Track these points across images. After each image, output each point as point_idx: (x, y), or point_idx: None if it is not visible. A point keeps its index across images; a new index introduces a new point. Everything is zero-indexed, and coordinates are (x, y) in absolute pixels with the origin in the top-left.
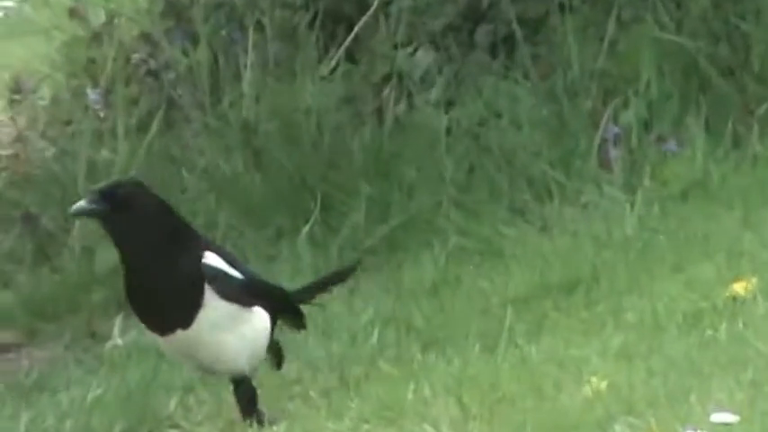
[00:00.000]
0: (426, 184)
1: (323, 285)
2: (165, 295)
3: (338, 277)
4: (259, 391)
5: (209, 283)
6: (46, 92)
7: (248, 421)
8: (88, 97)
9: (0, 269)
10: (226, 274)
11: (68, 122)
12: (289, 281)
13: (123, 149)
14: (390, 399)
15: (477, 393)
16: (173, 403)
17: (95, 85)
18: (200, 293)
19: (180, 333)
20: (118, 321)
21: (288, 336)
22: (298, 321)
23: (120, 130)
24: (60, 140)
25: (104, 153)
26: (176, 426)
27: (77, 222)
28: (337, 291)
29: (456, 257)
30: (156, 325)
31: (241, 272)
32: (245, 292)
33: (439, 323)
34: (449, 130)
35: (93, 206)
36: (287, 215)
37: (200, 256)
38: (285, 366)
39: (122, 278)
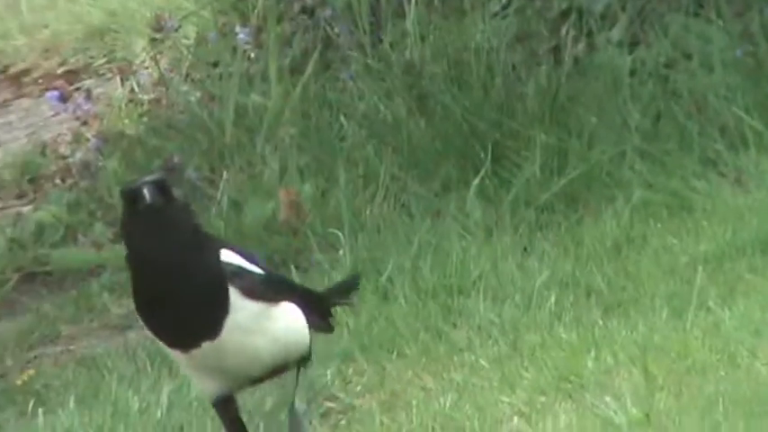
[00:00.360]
0: (608, 131)
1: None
2: (187, 304)
3: (340, 293)
4: (423, 360)
5: (232, 283)
6: (190, 31)
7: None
8: (237, 36)
9: None
10: (246, 270)
11: (215, 64)
12: (457, 241)
13: (275, 93)
14: (568, 368)
15: (665, 362)
16: (330, 373)
17: (245, 23)
18: (225, 295)
19: (206, 345)
20: None
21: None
22: (324, 322)
23: (272, 73)
24: (206, 84)
25: (254, 97)
26: (333, 398)
27: (225, 173)
28: (510, 250)
29: (641, 213)
30: (180, 340)
31: (260, 268)
32: (271, 288)
33: (622, 285)
34: (633, 73)
35: (160, 199)
36: (454, 166)
37: (218, 255)
38: (453, 332)
39: (134, 292)
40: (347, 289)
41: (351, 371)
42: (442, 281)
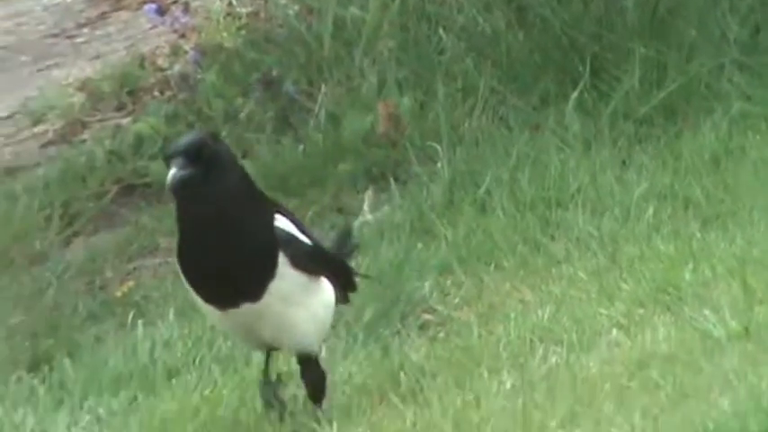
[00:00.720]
0: (707, 44)
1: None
2: (235, 264)
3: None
4: (521, 272)
5: (283, 250)
6: None
7: (317, 407)
8: None
9: (238, 136)
10: (298, 239)
11: None
12: (556, 154)
13: (374, 6)
14: (666, 280)
15: (763, 275)
16: (427, 285)
17: None
18: (274, 262)
19: (245, 307)
20: (368, 195)
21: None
22: (344, 294)
23: None
24: None
25: (353, 10)
26: (431, 310)
27: (324, 87)
28: (609, 163)
29: (739, 125)
30: (220, 297)
31: (308, 237)
32: (314, 261)
33: (720, 198)
34: None
35: (193, 171)
36: (553, 80)
37: (273, 220)
38: (551, 245)
39: (179, 243)
40: (347, 243)
41: (449, 283)
42: (540, 193)
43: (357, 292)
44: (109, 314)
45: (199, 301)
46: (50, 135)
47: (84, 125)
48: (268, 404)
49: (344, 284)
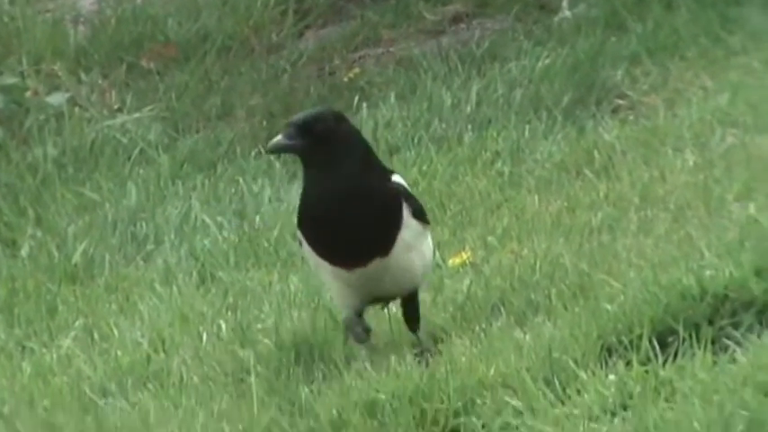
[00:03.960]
0: None
1: None
2: (366, 218)
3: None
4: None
5: (405, 202)
6: None
7: (416, 335)
8: None
9: None
10: (412, 194)
11: None
12: None
13: None
14: None
15: None
16: (619, 74)
17: None
18: (401, 215)
19: (375, 263)
20: None
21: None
22: None
23: None
24: None
25: None
26: (623, 96)
27: None
28: None
29: None
30: (351, 258)
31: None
32: (424, 211)
33: None
34: None
35: (292, 142)
36: None
37: (391, 179)
38: (729, 38)
39: (302, 214)
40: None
41: (638, 72)
42: None
43: (556, 78)
44: (337, 97)
45: (321, 264)
46: None
47: None
48: (356, 334)
49: None
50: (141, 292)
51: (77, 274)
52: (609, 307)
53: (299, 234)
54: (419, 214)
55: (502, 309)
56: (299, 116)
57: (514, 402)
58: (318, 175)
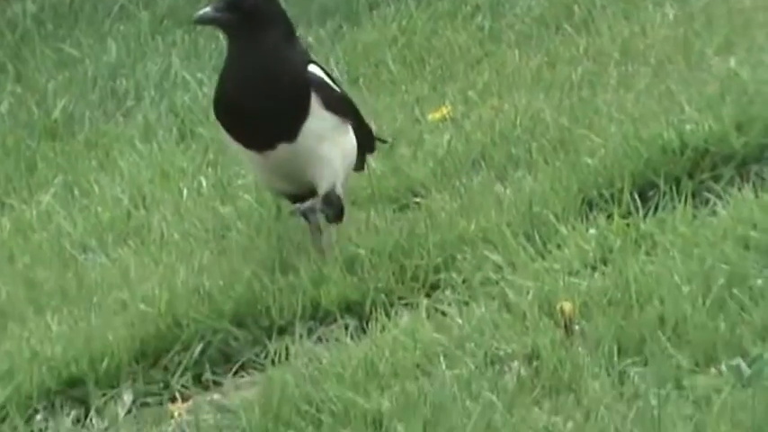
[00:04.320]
0: None
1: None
2: (272, 105)
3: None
4: None
5: (315, 92)
6: None
7: (328, 229)
8: None
9: None
10: (329, 84)
11: None
12: None
13: None
14: None
15: None
16: None
17: None
18: (307, 102)
19: (282, 147)
20: None
21: None
22: (360, 160)
23: None
24: None
25: None
26: None
27: None
28: None
29: None
30: (258, 140)
31: (338, 87)
32: (342, 105)
33: None
34: None
35: (219, 15)
36: None
37: (306, 67)
38: None
39: (217, 94)
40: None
41: None
42: None
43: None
44: None
45: (239, 148)
46: None
47: None
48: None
49: (364, 143)
50: (121, 149)
51: (57, 131)
52: (590, 161)
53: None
54: (334, 107)
55: (482, 163)
56: None
57: (495, 257)
58: (237, 55)
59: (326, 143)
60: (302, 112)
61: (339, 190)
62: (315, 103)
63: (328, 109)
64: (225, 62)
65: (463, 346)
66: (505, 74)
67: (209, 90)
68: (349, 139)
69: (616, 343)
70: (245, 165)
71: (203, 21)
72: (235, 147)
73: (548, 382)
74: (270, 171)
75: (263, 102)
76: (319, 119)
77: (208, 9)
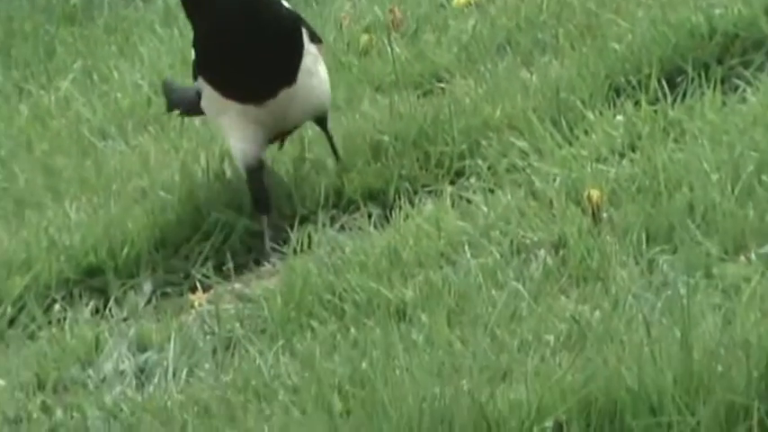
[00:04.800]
0: None
1: None
2: (271, 53)
3: None
4: None
5: (303, 27)
6: None
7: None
8: None
9: None
10: (303, 17)
11: None
12: None
13: None
14: None
15: None
16: None
17: None
18: (302, 41)
19: (283, 93)
20: None
21: None
22: None
23: None
24: None
25: None
26: None
27: None
28: None
29: None
30: (258, 91)
31: None
32: (314, 32)
33: None
34: None
35: None
36: None
37: (283, 5)
38: None
39: (202, 55)
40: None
41: None
42: None
43: None
44: None
45: (227, 106)
46: None
47: None
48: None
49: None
50: (141, 34)
51: (76, 15)
52: (617, 46)
53: (198, 83)
54: (315, 37)
55: (508, 48)
56: None
57: (521, 143)
58: (219, 8)
59: (314, 78)
60: (299, 51)
61: (327, 112)
62: (305, 39)
63: (313, 41)
64: (204, 20)
65: (488, 234)
66: None
67: None
68: (323, 68)
69: (644, 231)
70: (227, 130)
71: None
72: (218, 107)
73: (575, 271)
74: (262, 124)
75: (260, 48)
76: (309, 54)
77: None
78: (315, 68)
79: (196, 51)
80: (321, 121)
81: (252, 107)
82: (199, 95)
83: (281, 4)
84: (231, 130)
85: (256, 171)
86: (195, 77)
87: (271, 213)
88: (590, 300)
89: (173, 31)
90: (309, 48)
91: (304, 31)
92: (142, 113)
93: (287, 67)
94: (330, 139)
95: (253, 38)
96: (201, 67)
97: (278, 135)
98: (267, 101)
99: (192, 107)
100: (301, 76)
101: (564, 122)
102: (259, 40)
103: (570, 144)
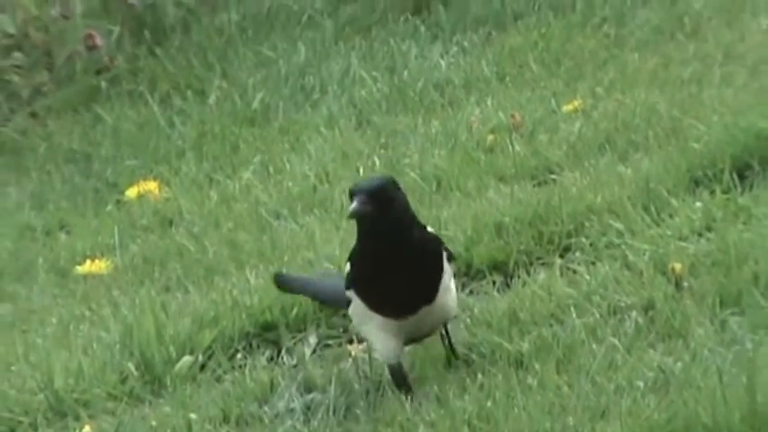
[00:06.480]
0: None
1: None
2: (417, 277)
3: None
4: None
5: (444, 248)
6: None
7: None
8: None
9: None
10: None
11: None
12: None
13: None
14: None
15: None
16: None
17: None
18: (442, 263)
19: (422, 310)
20: None
21: None
22: None
23: None
24: None
25: None
26: None
27: None
28: None
29: None
30: (402, 309)
31: None
32: (451, 252)
33: None
34: None
35: (369, 208)
36: None
37: (426, 229)
38: None
39: (357, 275)
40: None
41: None
42: None
43: None
44: None
45: (371, 317)
46: None
47: None
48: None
49: None
50: (309, 134)
51: (256, 119)
52: (696, 146)
53: (349, 293)
54: (451, 257)
55: (607, 147)
56: (366, 183)
57: (617, 225)
58: (375, 237)
59: (448, 293)
60: (440, 272)
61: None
62: (444, 260)
63: (449, 260)
64: (360, 246)
65: (590, 298)
66: (627, 73)
67: (383, 86)
68: (453, 282)
69: (718, 296)
70: (370, 336)
71: (358, 215)
72: (364, 316)
73: (661, 329)
74: (401, 334)
75: (407, 273)
76: (447, 273)
77: (356, 204)
78: (449, 285)
79: (352, 266)
80: (445, 328)
81: (392, 321)
82: (343, 299)
83: (426, 231)
84: (373, 336)
85: (397, 367)
86: (348, 288)
87: (411, 390)
88: (673, 353)
89: (334, 132)
90: (447, 267)
91: (445, 255)
92: (309, 198)
93: (429, 290)
94: (449, 337)
95: (403, 265)
96: (356, 282)
97: (414, 341)
98: (408, 317)
99: (314, 295)
100: (439, 294)
101: (653, 208)
102: (408, 266)
103: (658, 225)
